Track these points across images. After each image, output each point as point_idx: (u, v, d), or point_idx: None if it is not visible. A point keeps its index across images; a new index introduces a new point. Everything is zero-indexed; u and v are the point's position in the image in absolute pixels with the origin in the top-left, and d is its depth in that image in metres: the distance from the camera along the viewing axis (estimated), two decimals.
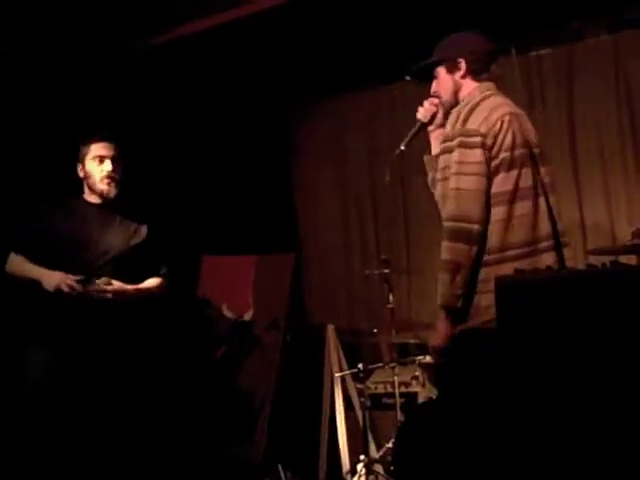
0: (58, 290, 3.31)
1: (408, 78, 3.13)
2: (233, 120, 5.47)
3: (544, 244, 2.76)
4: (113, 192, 3.53)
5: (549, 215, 2.80)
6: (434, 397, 4.19)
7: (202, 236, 5.43)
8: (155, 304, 3.70)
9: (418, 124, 3.07)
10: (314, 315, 5.59)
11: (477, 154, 2.70)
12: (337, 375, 4.58)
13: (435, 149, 3.07)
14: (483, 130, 2.72)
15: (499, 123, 2.74)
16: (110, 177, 3.51)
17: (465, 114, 2.79)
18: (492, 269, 2.68)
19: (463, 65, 2.92)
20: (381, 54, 4.76)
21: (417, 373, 4.43)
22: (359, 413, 4.55)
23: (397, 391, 4.29)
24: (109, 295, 3.38)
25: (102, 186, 3.52)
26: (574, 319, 2.55)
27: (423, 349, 4.56)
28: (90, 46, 4.62)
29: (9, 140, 4.29)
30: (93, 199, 3.57)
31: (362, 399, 4.36)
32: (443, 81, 2.99)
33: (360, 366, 4.32)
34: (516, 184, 2.73)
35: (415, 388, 4.43)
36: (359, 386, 4.46)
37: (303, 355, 4.94)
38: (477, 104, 2.81)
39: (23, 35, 4.38)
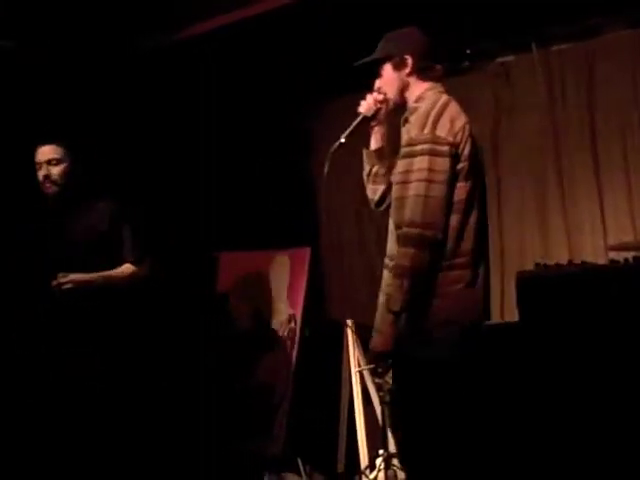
0: None
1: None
2: (249, 118, 5.49)
3: (481, 254, 2.84)
4: (53, 191, 3.63)
5: (486, 226, 2.88)
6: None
7: (219, 233, 5.46)
8: (141, 288, 3.75)
9: (360, 117, 3.04)
10: (332, 310, 5.58)
11: (446, 163, 2.72)
12: (356, 370, 4.58)
13: (374, 144, 3.11)
14: (450, 139, 2.74)
15: (461, 132, 2.77)
16: (46, 182, 3.62)
17: (433, 120, 2.77)
18: (445, 275, 2.73)
19: (410, 62, 2.91)
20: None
21: None
22: (378, 408, 4.55)
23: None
24: (68, 285, 3.47)
25: (44, 190, 3.66)
26: (596, 314, 2.55)
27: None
28: (97, 44, 4.64)
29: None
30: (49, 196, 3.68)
31: (381, 394, 4.36)
32: (389, 78, 2.97)
33: None
34: (470, 193, 2.78)
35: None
36: (378, 381, 4.45)
37: (322, 350, 4.95)
38: (442, 110, 2.81)
39: (28, 32, 4.41)
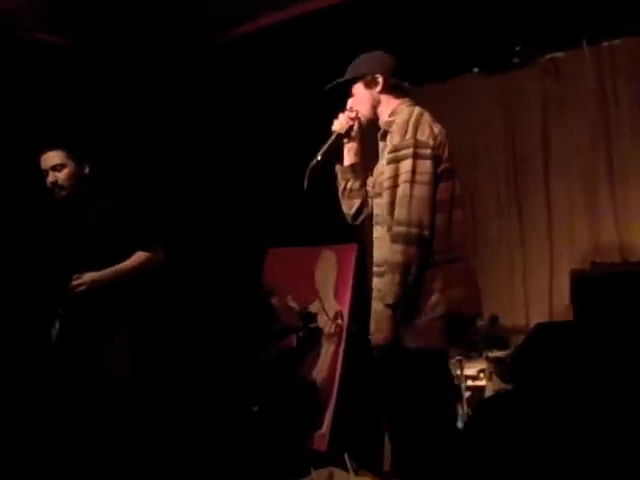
0: None
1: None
2: (297, 113, 5.50)
3: (466, 250, 3.02)
4: (62, 195, 3.66)
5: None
6: (503, 391, 4.17)
7: (266, 229, 5.48)
8: (155, 274, 3.76)
9: (334, 135, 3.20)
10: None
11: (428, 165, 2.88)
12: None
13: (348, 160, 3.27)
14: (431, 142, 2.91)
15: (440, 136, 2.95)
16: (54, 188, 3.65)
17: (413, 126, 2.94)
18: (438, 270, 2.89)
19: (380, 80, 3.09)
20: (446, 43, 4.74)
21: (484, 367, 4.41)
22: None
23: (463, 385, 4.28)
24: (82, 287, 3.50)
25: (55, 195, 3.69)
26: None
27: (489, 342, 4.54)
28: (98, 45, 4.68)
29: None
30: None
31: None
32: (361, 96, 3.15)
33: None
34: (453, 193, 2.96)
35: (482, 382, 4.41)
36: None
37: (368, 346, 4.95)
38: (419, 117, 2.98)
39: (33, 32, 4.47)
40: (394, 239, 2.88)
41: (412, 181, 2.87)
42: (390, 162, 2.95)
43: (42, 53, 4.48)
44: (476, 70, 5.02)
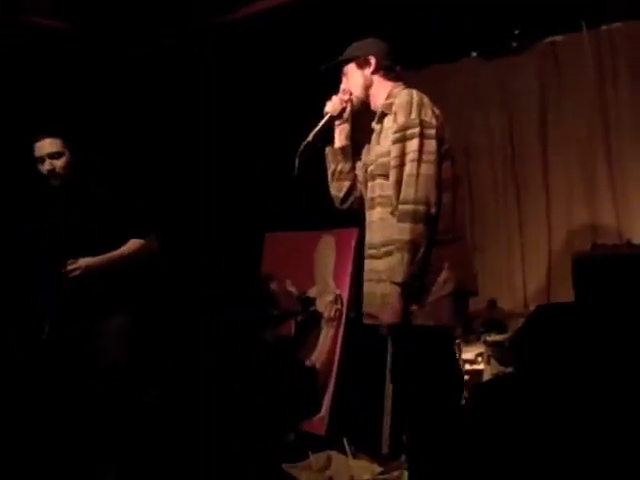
0: None
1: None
2: (296, 97, 5.48)
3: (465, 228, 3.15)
4: (58, 183, 3.65)
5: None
6: (502, 374, 4.18)
7: (265, 214, 5.48)
8: (145, 264, 3.78)
9: (327, 117, 3.23)
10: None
11: (433, 144, 2.92)
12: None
13: (339, 142, 3.30)
14: (435, 123, 2.95)
15: (440, 117, 3.00)
16: (51, 175, 3.64)
17: (417, 106, 2.97)
18: (446, 248, 2.93)
19: (373, 61, 3.13)
20: (445, 28, 4.73)
21: (482, 350, 4.42)
22: None
23: (462, 368, 4.30)
24: (77, 272, 3.51)
25: (51, 182, 3.67)
26: None
27: (488, 326, 4.55)
28: (97, 38, 4.67)
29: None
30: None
31: None
32: (354, 77, 3.18)
33: None
34: (454, 172, 3.01)
35: (480, 366, 4.42)
36: None
37: (367, 330, 4.95)
38: (421, 98, 3.01)
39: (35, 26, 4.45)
40: (401, 218, 2.90)
41: (419, 160, 2.89)
42: (396, 141, 2.96)
43: (42, 38, 4.46)
44: (474, 54, 5.01)
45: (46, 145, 3.65)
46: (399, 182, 2.95)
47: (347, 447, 4.33)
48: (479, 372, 4.39)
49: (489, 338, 4.37)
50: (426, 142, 2.91)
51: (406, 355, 3.06)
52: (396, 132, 2.98)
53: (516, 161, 5.02)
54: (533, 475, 2.62)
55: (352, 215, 5.43)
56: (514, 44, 4.87)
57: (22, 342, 3.65)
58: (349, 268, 5.11)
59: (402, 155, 2.94)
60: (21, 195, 3.94)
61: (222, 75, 5.19)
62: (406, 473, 4.15)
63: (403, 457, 4.35)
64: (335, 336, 4.99)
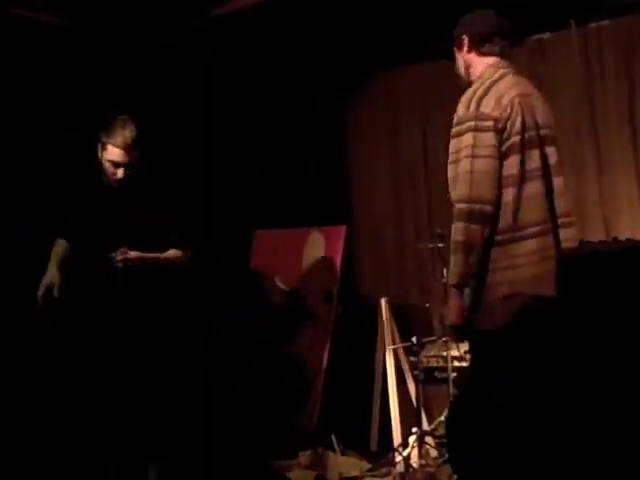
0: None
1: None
2: (287, 94, 5.48)
3: (550, 224, 2.88)
4: (122, 187, 3.57)
5: (551, 196, 2.90)
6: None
7: (254, 211, 5.48)
8: (179, 273, 3.77)
9: None
10: (366, 288, 5.59)
11: (490, 138, 2.79)
12: (390, 348, 4.59)
13: None
14: (495, 114, 2.81)
15: (509, 106, 2.83)
16: (120, 181, 3.56)
17: (478, 97, 2.86)
18: (503, 248, 2.81)
19: (466, 41, 3.03)
20: (430, 23, 4.73)
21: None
22: (411, 386, 4.57)
23: (450, 365, 4.30)
24: (126, 260, 3.45)
25: (112, 183, 3.58)
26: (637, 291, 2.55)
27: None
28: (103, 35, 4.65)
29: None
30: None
31: (416, 372, 4.37)
32: (457, 60, 3.12)
33: (414, 339, 4.32)
34: (525, 166, 2.83)
35: (468, 363, 4.42)
36: (412, 359, 4.46)
37: (355, 327, 4.97)
38: (490, 86, 2.88)
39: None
40: (456, 217, 2.81)
41: (473, 155, 2.79)
42: (453, 136, 2.90)
43: (36, 33, 4.44)
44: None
45: (126, 154, 3.50)
46: (453, 178, 2.87)
47: (335, 444, 4.34)
48: (467, 369, 4.39)
49: None
50: (480, 135, 2.79)
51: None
52: (453, 126, 2.90)
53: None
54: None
55: (341, 212, 5.52)
56: None
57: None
58: (338, 265, 5.12)
59: (457, 151, 2.86)
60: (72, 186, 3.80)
61: (219, 74, 5.18)
62: (394, 470, 4.19)
63: (390, 455, 4.37)
64: (324, 332, 5.01)
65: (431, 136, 5.36)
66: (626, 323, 2.44)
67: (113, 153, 3.51)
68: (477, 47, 3.00)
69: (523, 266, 2.81)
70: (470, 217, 2.76)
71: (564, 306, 2.55)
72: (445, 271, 4.39)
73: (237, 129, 5.39)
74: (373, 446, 4.67)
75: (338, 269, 5.11)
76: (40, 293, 3.43)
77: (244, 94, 5.35)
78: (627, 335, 2.41)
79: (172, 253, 3.68)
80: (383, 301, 4.67)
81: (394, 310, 4.77)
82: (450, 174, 2.90)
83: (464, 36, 3.02)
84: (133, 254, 3.48)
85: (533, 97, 2.96)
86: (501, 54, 3.02)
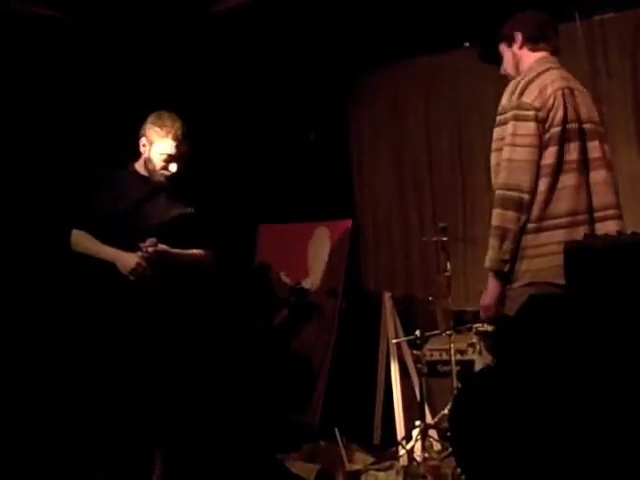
0: (132, 272, 3.36)
1: (467, 44, 3.23)
2: (289, 89, 5.48)
3: (582, 217, 2.91)
4: (165, 179, 3.54)
5: (589, 189, 2.94)
6: (492, 364, 4.18)
7: (259, 205, 5.48)
8: (203, 272, 3.75)
9: None
10: (370, 282, 5.59)
11: (530, 127, 2.85)
12: (393, 341, 4.59)
13: None
14: (537, 104, 2.86)
15: (552, 98, 2.88)
16: (168, 172, 3.52)
17: (521, 87, 2.91)
18: (531, 237, 2.87)
19: (519, 37, 3.08)
20: (437, 19, 4.72)
21: (474, 341, 4.41)
22: (415, 380, 4.56)
23: (453, 359, 4.30)
24: (155, 253, 3.38)
25: (158, 177, 3.54)
26: None
27: (479, 317, 4.55)
28: (153, 16, 4.65)
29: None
30: (143, 171, 3.58)
31: (419, 366, 4.36)
32: (506, 57, 3.16)
33: (417, 333, 4.31)
34: (563, 157, 2.88)
35: (471, 356, 4.42)
36: (416, 352, 4.46)
37: (359, 322, 4.97)
38: (534, 78, 2.93)
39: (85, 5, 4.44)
40: (495, 203, 2.88)
41: (513, 144, 2.85)
42: (497, 125, 2.96)
43: (38, 26, 4.45)
44: (467, 44, 4.99)
45: (180, 147, 3.50)
46: (497, 165, 2.92)
47: (339, 437, 4.33)
48: (470, 362, 4.39)
49: (481, 328, 4.36)
50: (521, 125, 2.85)
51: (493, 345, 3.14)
52: (498, 115, 2.96)
53: None
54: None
55: (345, 206, 5.52)
56: None
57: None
58: (343, 260, 5.12)
59: (501, 139, 2.91)
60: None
61: (221, 70, 5.18)
62: (397, 463, 4.19)
63: (393, 448, 4.37)
64: (329, 327, 5.01)
65: (435, 131, 5.40)
66: (630, 316, 2.44)
67: (166, 146, 3.49)
68: (530, 42, 3.08)
69: (548, 255, 2.85)
70: (507, 203, 2.82)
71: (570, 296, 2.56)
72: (448, 264, 4.42)
73: (241, 125, 5.39)
74: (376, 440, 4.68)
75: (343, 264, 5.11)
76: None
77: (248, 90, 5.34)
78: (629, 327, 2.41)
79: (196, 252, 3.63)
80: (386, 295, 4.67)
81: (398, 304, 4.77)
82: (493, 161, 2.96)
83: (517, 32, 3.09)
84: (162, 247, 3.42)
85: (578, 92, 3.01)
86: (552, 51, 3.10)
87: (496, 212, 2.85)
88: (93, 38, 4.61)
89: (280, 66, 5.31)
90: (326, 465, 4.27)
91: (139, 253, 3.37)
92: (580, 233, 2.85)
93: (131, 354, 3.42)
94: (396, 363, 4.58)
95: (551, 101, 2.88)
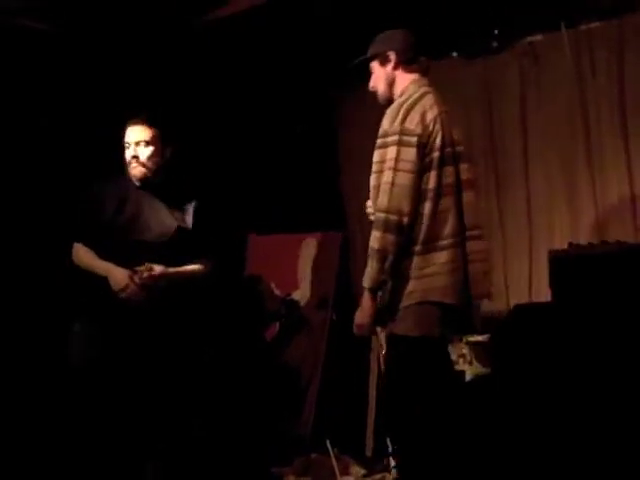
0: (121, 291, 3.35)
1: (455, 54, 3.31)
2: (278, 98, 5.47)
3: (460, 237, 3.02)
4: (140, 175, 3.51)
5: (462, 211, 3.03)
6: (483, 375, 4.18)
7: (249, 216, 5.46)
8: (200, 286, 3.71)
9: None
10: (361, 294, 5.56)
11: (412, 153, 2.92)
12: (384, 353, 4.56)
13: None
14: (419, 130, 2.94)
15: (432, 123, 2.96)
16: (132, 162, 3.50)
17: (403, 113, 2.97)
18: (419, 258, 2.95)
19: (393, 57, 3.14)
20: (425, 28, 4.72)
21: (464, 351, 4.41)
22: None
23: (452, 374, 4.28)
24: (154, 279, 3.37)
25: (130, 170, 3.53)
26: (631, 293, 2.54)
27: None
28: (148, 23, 4.65)
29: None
30: (134, 180, 3.57)
31: None
32: (377, 75, 3.20)
33: None
34: (441, 181, 2.96)
35: (462, 366, 4.41)
36: None
37: (350, 333, 4.94)
38: (415, 103, 3.00)
39: (81, 13, 4.42)
40: (374, 226, 2.94)
41: (395, 169, 2.90)
42: (378, 147, 3.01)
43: (27, 40, 4.44)
44: (455, 54, 5.01)
45: (136, 132, 3.49)
46: (376, 188, 2.98)
47: (330, 449, 4.32)
48: (461, 373, 4.38)
49: (471, 339, 4.36)
50: (404, 150, 2.91)
51: (387, 362, 3.17)
52: (379, 138, 3.01)
53: (498, 161, 5.01)
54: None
55: (336, 218, 5.50)
56: (494, 44, 4.86)
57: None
58: (334, 271, 5.12)
59: (382, 162, 2.98)
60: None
61: (213, 78, 5.18)
62: (389, 476, 4.17)
63: (386, 459, 4.35)
64: (319, 338, 4.99)
65: None
66: (614, 323, 2.44)
67: (126, 133, 3.51)
68: (404, 63, 3.13)
69: (435, 275, 2.93)
70: (387, 227, 2.89)
71: (555, 307, 2.55)
72: None
73: (231, 133, 5.38)
74: (368, 451, 4.65)
75: (333, 275, 5.10)
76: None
77: (237, 99, 5.33)
78: (612, 333, 2.42)
79: (195, 265, 3.61)
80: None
81: None
82: (373, 183, 3.01)
83: (390, 52, 3.13)
84: (158, 269, 3.40)
85: (449, 115, 3.08)
86: (422, 72, 3.16)
87: (377, 235, 2.91)
88: (90, 46, 4.62)
89: (270, 75, 5.31)
90: (318, 478, 4.25)
91: (136, 278, 3.36)
92: (461, 253, 2.98)
93: (124, 367, 3.40)
94: None
95: (431, 127, 2.95)
